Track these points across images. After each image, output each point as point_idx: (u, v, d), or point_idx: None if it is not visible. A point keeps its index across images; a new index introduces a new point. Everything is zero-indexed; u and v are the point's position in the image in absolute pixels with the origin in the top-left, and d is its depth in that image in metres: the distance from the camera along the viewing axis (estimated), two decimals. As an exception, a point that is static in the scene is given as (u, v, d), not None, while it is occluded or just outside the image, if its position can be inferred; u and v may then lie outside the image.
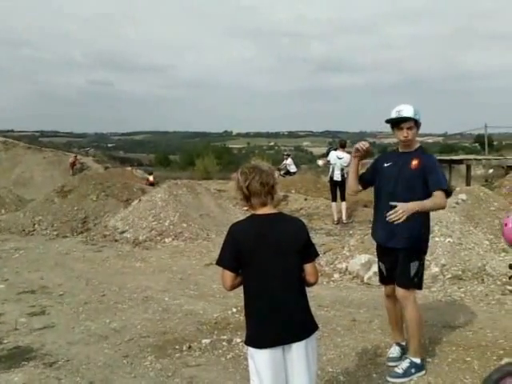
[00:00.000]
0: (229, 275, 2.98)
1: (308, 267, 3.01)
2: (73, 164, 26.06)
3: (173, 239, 11.34)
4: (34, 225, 13.01)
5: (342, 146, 13.79)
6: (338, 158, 13.34)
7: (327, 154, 14.41)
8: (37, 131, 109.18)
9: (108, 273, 8.93)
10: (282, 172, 20.06)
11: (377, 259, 4.76)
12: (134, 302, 7.13)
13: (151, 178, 20.08)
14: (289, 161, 20.86)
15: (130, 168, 28.69)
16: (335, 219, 13.46)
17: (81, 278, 8.54)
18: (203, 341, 5.51)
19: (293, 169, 20.67)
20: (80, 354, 5.27)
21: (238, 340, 5.44)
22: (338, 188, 13.51)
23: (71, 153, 29.91)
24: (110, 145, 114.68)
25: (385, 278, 4.60)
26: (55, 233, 12.57)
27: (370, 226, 4.82)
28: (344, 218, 13.46)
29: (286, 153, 22.48)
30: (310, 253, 3.02)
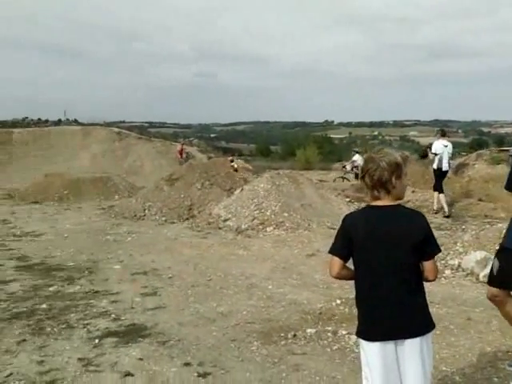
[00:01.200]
0: (337, 262, 2.96)
1: (427, 264, 2.88)
2: (180, 151, 27.41)
3: (274, 228, 11.50)
4: (145, 210, 13.87)
5: (444, 135, 13.51)
6: (444, 146, 12.92)
7: (430, 147, 13.92)
8: (146, 122, 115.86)
9: (213, 259, 9.28)
10: (350, 168, 19.66)
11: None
12: (239, 289, 7.36)
13: (235, 166, 20.77)
14: (356, 157, 20.40)
15: (231, 157, 29.66)
16: (435, 209, 13.30)
17: (189, 262, 8.98)
18: (308, 330, 5.57)
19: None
20: (190, 335, 5.56)
21: (344, 332, 5.42)
22: (442, 178, 13.28)
23: (178, 143, 31.40)
24: (212, 135, 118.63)
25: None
26: (164, 218, 13.30)
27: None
28: (447, 210, 13.02)
29: (354, 149, 21.85)
30: (429, 249, 2.88)
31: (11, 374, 4.74)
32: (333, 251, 2.99)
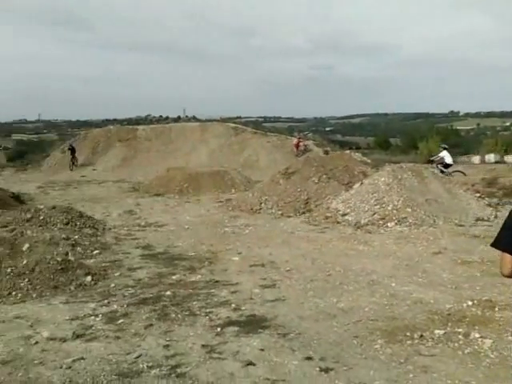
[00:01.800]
0: (508, 258, 2.71)
1: None
2: (297, 145, 27.56)
3: (396, 224, 11.12)
4: (261, 204, 14.15)
5: None
6: None
7: None
8: (260, 117, 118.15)
9: (332, 253, 9.20)
10: (436, 164, 18.27)
11: None
12: (360, 285, 7.21)
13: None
14: (443, 153, 18.95)
15: (348, 151, 29.23)
16: None
17: (306, 256, 8.99)
18: (436, 331, 5.30)
19: (448, 161, 18.76)
20: (311, 329, 5.55)
21: (477, 335, 5.08)
22: None
23: (293, 137, 31.62)
24: (327, 128, 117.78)
25: None
26: (280, 212, 13.47)
27: None
28: None
29: (442, 145, 20.27)
30: None
31: (140, 355, 5.08)
32: (501, 246, 2.74)
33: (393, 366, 4.61)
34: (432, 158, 19.61)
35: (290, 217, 13.07)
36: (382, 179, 12.63)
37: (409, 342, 5.12)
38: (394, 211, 11.49)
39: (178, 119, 47.47)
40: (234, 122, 38.10)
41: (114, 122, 53.22)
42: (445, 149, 19.59)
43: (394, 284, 7.17)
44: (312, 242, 10.20)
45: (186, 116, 49.42)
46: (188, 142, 31.44)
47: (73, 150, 29.15)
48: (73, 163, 29.00)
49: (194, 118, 46.19)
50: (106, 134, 32.80)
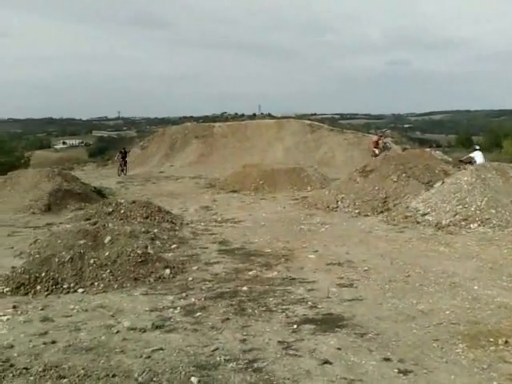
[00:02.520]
0: None
1: None
2: (376, 142, 26.89)
3: (479, 225, 10.64)
4: (338, 202, 14.02)
5: None
6: None
7: None
8: (336, 114, 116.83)
9: (411, 254, 8.96)
10: (464, 164, 17.02)
11: None
12: (441, 287, 6.99)
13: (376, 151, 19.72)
14: (475, 153, 17.59)
15: (428, 149, 28.26)
16: None
17: (384, 256, 8.82)
18: (524, 338, 5.03)
19: (479, 161, 17.38)
20: (389, 330, 5.46)
21: None
22: None
23: (371, 134, 31.00)
24: (406, 125, 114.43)
25: None
26: (357, 211, 13.28)
27: None
28: None
29: (476, 146, 18.84)
30: None
31: (217, 348, 5.21)
32: None
33: (475, 371, 4.45)
34: (462, 159, 18.63)
35: (367, 216, 12.85)
36: (465, 178, 12.12)
37: (492, 347, 4.92)
38: (477, 212, 10.99)
39: (253, 116, 47.95)
40: (310, 119, 37.93)
41: (191, 119, 54.57)
42: (478, 149, 18.59)
43: (476, 287, 6.90)
44: (390, 241, 9.99)
45: (261, 113, 49.80)
46: (263, 139, 31.70)
47: (124, 155, 26.49)
48: (122, 169, 26.11)
49: (269, 115, 46.46)
50: (183, 131, 33.75)
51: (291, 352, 5.06)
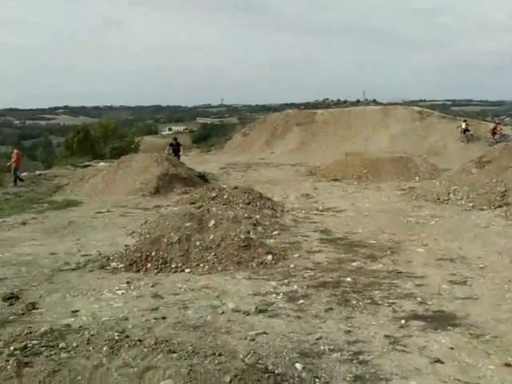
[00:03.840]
0: None
1: None
2: (493, 131, 25.27)
3: None
4: (449, 194, 13.36)
5: None
6: None
7: None
8: (448, 100, 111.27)
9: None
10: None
11: None
12: None
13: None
14: None
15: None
16: None
17: (503, 253, 8.29)
18: None
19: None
20: (509, 333, 5.14)
21: None
22: None
23: (487, 122, 29.19)
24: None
25: None
26: (471, 204, 12.57)
27: None
28: None
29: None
30: None
31: (321, 337, 5.22)
32: None
33: None
34: None
35: (482, 210, 12.12)
36: None
37: None
38: None
39: (356, 103, 47.11)
40: (418, 106, 36.46)
41: (292, 106, 54.74)
42: None
43: None
44: (510, 238, 9.35)
45: (366, 99, 48.83)
46: (368, 127, 30.97)
47: (176, 148, 21.21)
48: None
49: (374, 102, 45.36)
50: (285, 118, 33.89)
51: (399, 348, 4.94)
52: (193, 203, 12.71)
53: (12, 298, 6.53)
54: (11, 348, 4.45)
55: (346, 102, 51.68)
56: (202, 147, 35.24)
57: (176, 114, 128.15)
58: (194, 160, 25.76)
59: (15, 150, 21.80)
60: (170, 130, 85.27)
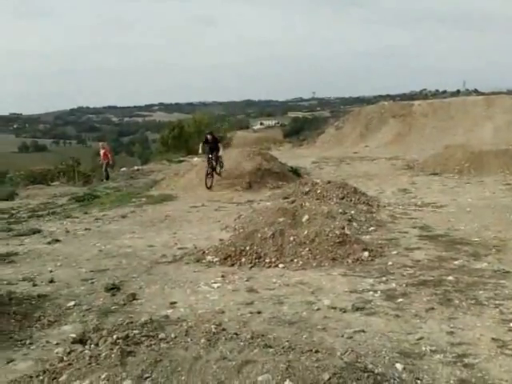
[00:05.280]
0: None
1: None
2: None
3: None
4: None
5: None
6: None
7: None
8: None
9: None
10: None
11: None
12: None
13: None
14: None
15: None
16: None
17: None
18: None
19: None
20: None
21: None
22: None
23: None
24: None
25: None
26: None
27: None
28: None
29: None
30: None
31: (422, 338, 5.06)
32: None
33: None
34: None
35: None
36: None
37: None
38: None
39: (456, 93, 45.02)
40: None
41: (387, 97, 53.44)
42: None
43: None
44: None
45: (466, 89, 46.49)
46: (469, 118, 29.44)
47: (214, 145, 16.37)
48: (212, 167, 15.98)
49: (476, 92, 43.07)
50: (380, 110, 33.06)
51: (508, 352, 4.67)
52: (286, 198, 12.76)
53: (114, 288, 6.91)
54: (114, 337, 4.70)
55: (445, 92, 49.62)
56: (293, 141, 35.30)
57: (267, 108, 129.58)
58: (286, 154, 25.84)
59: (103, 146, 22.91)
60: (261, 124, 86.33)
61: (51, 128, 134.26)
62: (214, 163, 16.21)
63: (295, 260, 7.92)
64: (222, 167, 16.61)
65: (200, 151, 17.01)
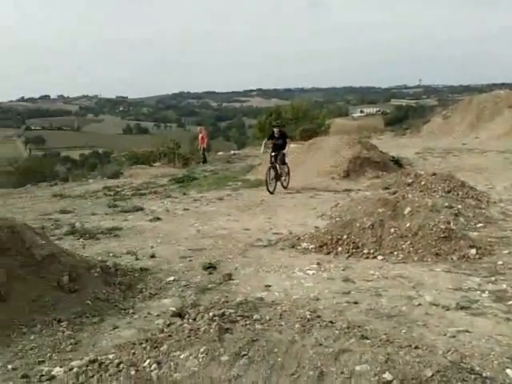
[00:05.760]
0: None
1: None
2: None
3: None
4: None
5: None
6: None
7: None
8: None
9: None
10: None
11: None
12: None
13: None
14: None
15: None
16: None
17: None
18: None
19: None
20: None
21: None
22: None
23: None
24: None
25: None
26: None
27: None
28: None
29: None
30: None
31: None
32: None
33: None
34: None
35: None
36: None
37: None
38: None
39: None
40: None
41: (502, 86, 50.13)
42: None
43: None
44: None
45: None
46: None
47: (281, 139, 13.94)
48: (275, 170, 13.73)
49: None
50: (494, 100, 31.15)
51: None
52: (386, 188, 12.48)
53: (210, 267, 7.15)
54: (210, 314, 4.87)
55: None
56: (395, 130, 34.30)
57: (369, 95, 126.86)
58: (387, 144, 25.18)
59: (200, 130, 24.19)
60: (361, 111, 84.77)
61: (153, 111, 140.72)
62: (279, 169, 13.69)
63: (395, 253, 7.71)
64: (287, 174, 14.17)
65: (261, 150, 14.74)
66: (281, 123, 14.73)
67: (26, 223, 6.64)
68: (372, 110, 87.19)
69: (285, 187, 14.03)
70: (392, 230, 8.11)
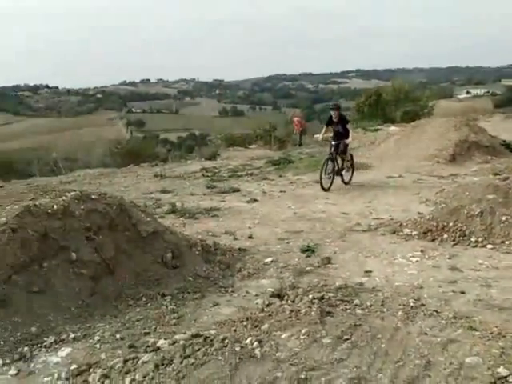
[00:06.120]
0: None
1: None
2: None
3: None
4: None
5: None
6: None
7: None
8: None
9: None
10: None
11: None
12: None
13: None
14: None
15: None
16: None
17: None
18: None
19: None
20: None
21: None
22: None
23: None
24: None
25: None
26: None
27: None
28: None
29: None
30: None
31: None
32: None
33: None
34: None
35: None
36: None
37: None
38: None
39: None
40: None
41: None
42: None
43: None
44: None
45: None
46: None
47: (340, 123, 12.03)
48: (333, 161, 11.89)
49: None
50: None
51: None
52: (496, 174, 11.81)
53: (308, 250, 7.14)
54: (310, 296, 4.89)
55: None
56: (507, 113, 32.33)
57: (476, 75, 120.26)
58: (497, 127, 23.78)
59: (295, 118, 25.24)
60: (467, 93, 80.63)
61: (249, 94, 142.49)
62: (341, 161, 12.05)
63: (506, 242, 7.27)
64: (352, 170, 12.48)
65: (320, 137, 12.99)
66: (336, 105, 12.44)
67: (132, 201, 7.00)
68: (479, 91, 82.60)
69: (346, 183, 12.24)
70: (503, 218, 7.66)
